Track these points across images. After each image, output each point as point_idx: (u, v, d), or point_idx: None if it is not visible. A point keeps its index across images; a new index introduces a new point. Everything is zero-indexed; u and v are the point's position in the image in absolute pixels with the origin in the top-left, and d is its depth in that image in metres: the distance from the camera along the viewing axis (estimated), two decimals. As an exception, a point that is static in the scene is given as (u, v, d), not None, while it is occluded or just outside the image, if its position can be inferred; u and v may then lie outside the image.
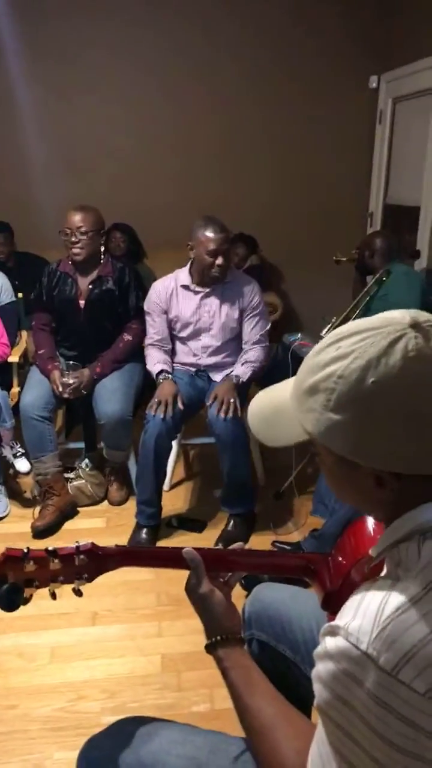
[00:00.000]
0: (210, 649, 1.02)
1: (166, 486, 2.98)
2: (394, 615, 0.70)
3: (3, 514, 2.82)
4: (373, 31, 4.23)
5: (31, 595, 1.01)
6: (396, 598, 0.71)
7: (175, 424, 2.63)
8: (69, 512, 2.81)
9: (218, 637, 1.01)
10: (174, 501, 2.96)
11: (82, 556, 1.00)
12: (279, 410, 0.86)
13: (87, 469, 2.93)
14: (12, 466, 2.80)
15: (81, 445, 3.09)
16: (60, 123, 4.18)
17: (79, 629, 2.20)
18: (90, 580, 1.03)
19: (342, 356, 0.75)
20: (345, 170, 4.52)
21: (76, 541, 1.02)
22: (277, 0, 4.14)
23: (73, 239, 2.76)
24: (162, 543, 2.66)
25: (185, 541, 2.67)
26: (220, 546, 2.57)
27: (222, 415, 2.52)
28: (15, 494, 2.98)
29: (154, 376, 2.72)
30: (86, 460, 2.96)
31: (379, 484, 0.77)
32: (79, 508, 2.88)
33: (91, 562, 1.01)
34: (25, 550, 0.98)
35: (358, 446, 0.75)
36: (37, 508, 2.77)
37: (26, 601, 1.00)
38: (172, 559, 1.05)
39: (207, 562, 1.04)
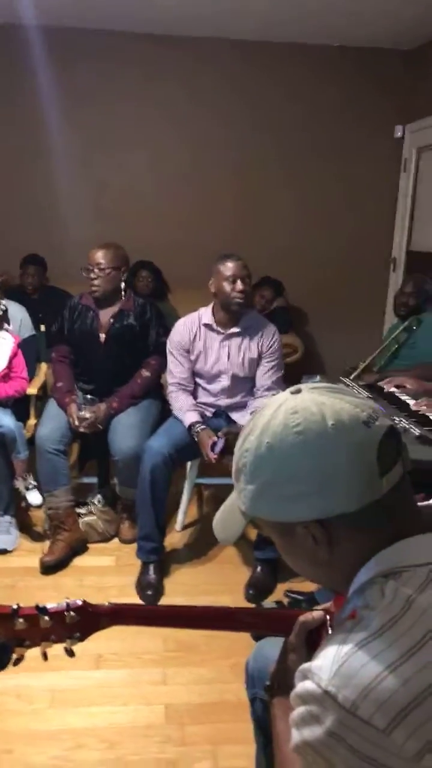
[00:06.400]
0: (267, 691, 1.03)
1: (178, 526, 2.95)
2: (352, 651, 0.70)
3: (12, 548, 2.79)
4: (398, 83, 4.31)
5: (23, 656, 0.97)
6: (356, 636, 0.71)
7: (173, 458, 2.55)
8: (79, 548, 2.77)
9: (276, 685, 0.99)
10: (186, 541, 2.92)
11: (72, 614, 0.97)
12: (228, 509, 0.90)
13: (99, 506, 2.89)
14: (24, 498, 2.79)
15: (94, 480, 3.06)
16: (91, 166, 4.29)
17: (82, 672, 2.13)
18: (82, 639, 1.00)
19: (247, 434, 0.84)
20: (369, 216, 4.55)
21: (66, 598, 0.99)
22: (302, 54, 4.23)
23: (92, 275, 2.79)
24: (168, 582, 2.61)
25: (195, 586, 2.62)
26: (251, 592, 2.52)
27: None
28: (25, 527, 2.95)
29: (186, 426, 2.63)
30: (99, 496, 2.92)
31: (316, 541, 0.79)
32: (89, 545, 2.84)
33: (82, 620, 0.98)
34: (15, 607, 0.95)
35: (279, 505, 0.79)
36: (47, 543, 2.74)
37: (17, 661, 0.97)
38: (166, 618, 1.01)
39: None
